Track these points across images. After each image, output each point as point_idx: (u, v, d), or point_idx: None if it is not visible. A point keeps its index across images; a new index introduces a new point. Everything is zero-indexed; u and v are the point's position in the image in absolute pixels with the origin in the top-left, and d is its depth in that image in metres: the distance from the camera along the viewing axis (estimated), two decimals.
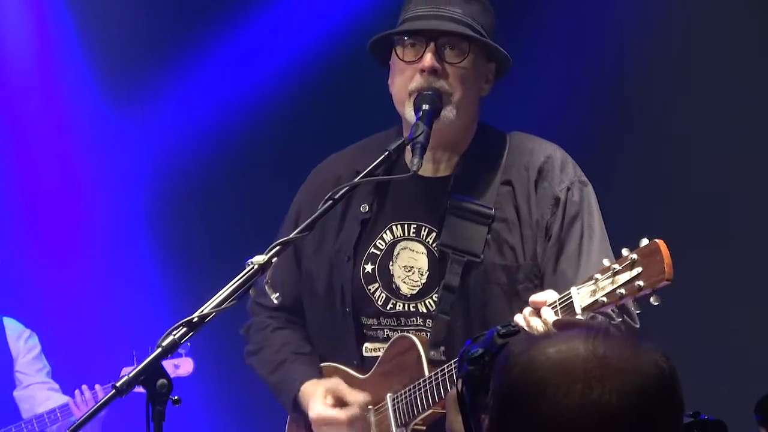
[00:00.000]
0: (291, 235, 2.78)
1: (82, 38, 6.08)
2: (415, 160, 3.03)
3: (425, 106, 3.10)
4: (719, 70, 5.42)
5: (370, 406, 3.32)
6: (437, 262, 3.27)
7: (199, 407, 5.63)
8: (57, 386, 5.40)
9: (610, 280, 2.88)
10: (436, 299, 3.27)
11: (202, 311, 2.58)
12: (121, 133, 6.08)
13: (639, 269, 2.84)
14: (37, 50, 6.14)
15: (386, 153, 3.02)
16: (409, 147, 3.09)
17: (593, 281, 2.91)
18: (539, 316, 2.95)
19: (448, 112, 3.16)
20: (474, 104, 3.25)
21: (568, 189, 3.25)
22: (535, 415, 1.60)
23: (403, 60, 3.20)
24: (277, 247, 2.69)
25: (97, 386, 5.21)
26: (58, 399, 5.29)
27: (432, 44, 3.16)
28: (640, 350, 1.62)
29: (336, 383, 3.35)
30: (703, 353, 5.06)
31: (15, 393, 5.39)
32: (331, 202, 2.85)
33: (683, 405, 1.63)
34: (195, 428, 5.58)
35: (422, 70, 3.15)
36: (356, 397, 3.32)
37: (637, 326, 3.09)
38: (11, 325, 5.45)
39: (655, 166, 5.47)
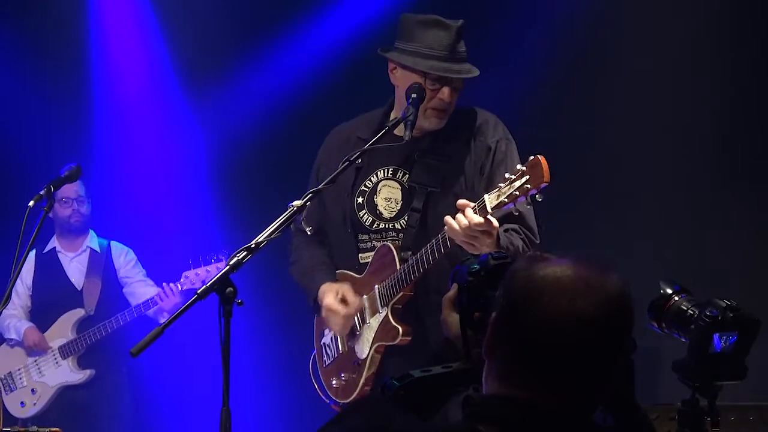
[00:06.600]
0: (319, 186, 3.58)
1: (167, 39, 7.02)
2: (407, 132, 3.91)
3: (413, 95, 3.98)
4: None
5: (364, 295, 4.19)
6: (408, 194, 4.13)
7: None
8: (152, 283, 6.40)
9: (509, 186, 3.64)
10: (406, 219, 4.11)
11: (257, 240, 3.16)
12: (194, 110, 6.97)
13: (527, 176, 3.60)
14: (135, 52, 7.12)
15: (386, 128, 3.88)
16: (403, 123, 3.95)
17: (497, 189, 3.69)
18: (464, 215, 3.73)
19: (441, 120, 4.08)
20: None
21: (497, 142, 4.10)
22: (533, 315, 1.89)
23: (425, 87, 4.01)
24: (310, 194, 3.45)
25: (171, 284, 6.06)
26: (153, 292, 6.21)
27: (451, 84, 4.05)
28: (609, 275, 1.92)
29: (346, 288, 4.21)
30: None
31: (124, 291, 6.45)
32: (347, 163, 3.68)
33: (633, 315, 1.94)
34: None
35: (441, 99, 4.03)
36: (354, 300, 4.18)
37: (538, 241, 3.97)
38: (116, 245, 6.55)
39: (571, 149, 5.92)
